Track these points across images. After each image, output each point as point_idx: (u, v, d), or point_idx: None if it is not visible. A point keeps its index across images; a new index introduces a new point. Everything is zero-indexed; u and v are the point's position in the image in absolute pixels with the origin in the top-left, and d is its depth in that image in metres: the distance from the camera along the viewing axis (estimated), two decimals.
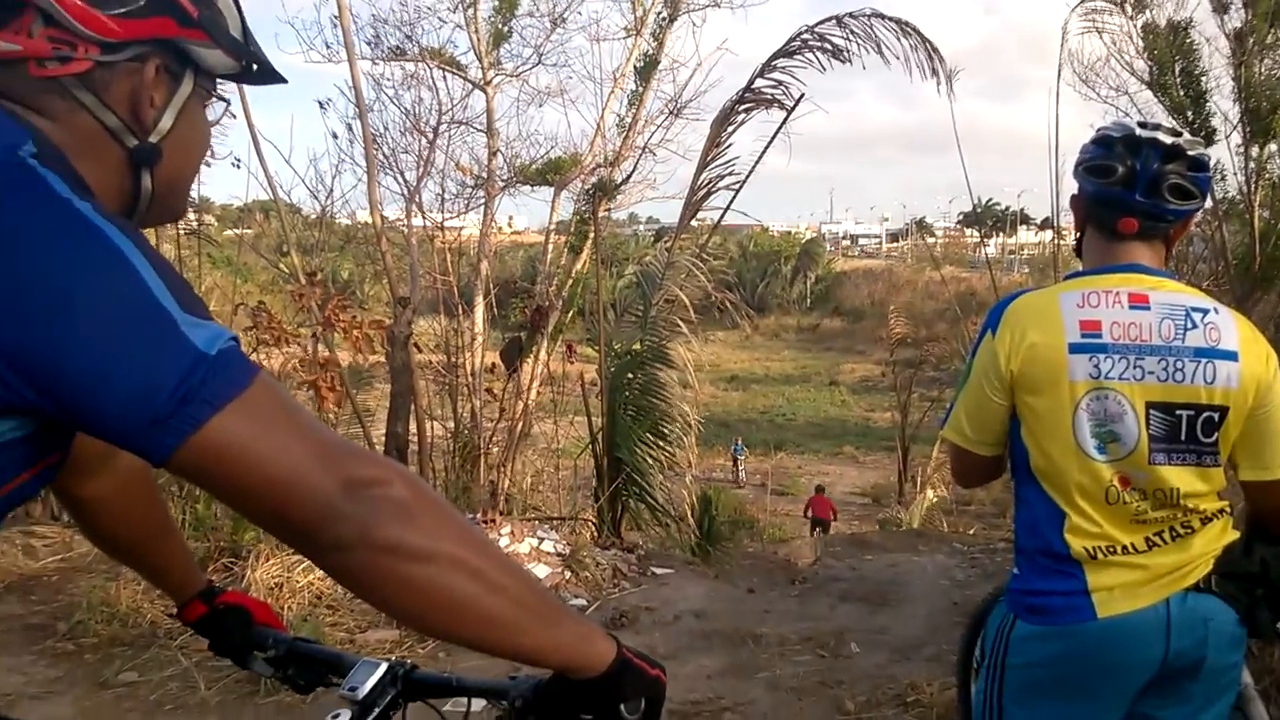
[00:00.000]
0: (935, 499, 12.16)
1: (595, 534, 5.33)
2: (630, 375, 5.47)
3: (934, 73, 4.30)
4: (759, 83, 4.62)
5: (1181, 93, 12.78)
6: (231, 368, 0.84)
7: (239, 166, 7.74)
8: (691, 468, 5.43)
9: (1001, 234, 79.51)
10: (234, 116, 7.02)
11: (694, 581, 4.71)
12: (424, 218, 9.37)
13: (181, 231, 7.11)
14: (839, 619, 4.66)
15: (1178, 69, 12.71)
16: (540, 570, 4.60)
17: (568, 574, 4.64)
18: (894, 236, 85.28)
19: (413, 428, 6.85)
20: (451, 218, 9.65)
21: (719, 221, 5.00)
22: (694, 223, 5.77)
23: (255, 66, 1.08)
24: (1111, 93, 13.25)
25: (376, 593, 0.89)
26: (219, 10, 1.03)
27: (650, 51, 10.05)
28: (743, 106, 4.70)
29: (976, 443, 1.95)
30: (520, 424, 9.68)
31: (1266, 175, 12.69)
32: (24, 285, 0.80)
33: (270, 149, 8.58)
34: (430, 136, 8.81)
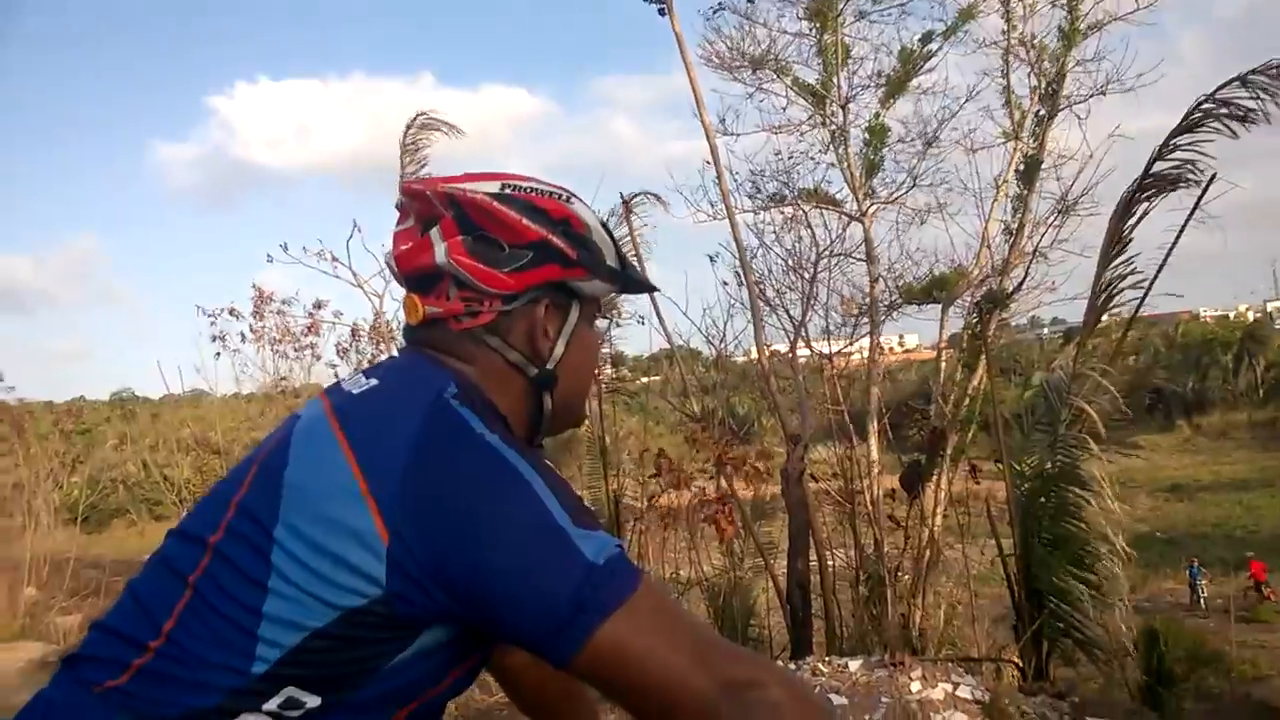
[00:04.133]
0: None
1: (1020, 677, 4.85)
2: (1043, 499, 5.02)
3: None
4: (1158, 165, 4.20)
5: None
6: (618, 575, 0.92)
7: (643, 323, 8.53)
8: (1126, 597, 4.77)
9: None
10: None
11: None
12: (810, 350, 9.56)
13: (603, 387, 7.93)
14: None
15: None
16: (959, 718, 4.25)
17: None
18: None
19: (814, 559, 6.86)
20: (838, 348, 9.77)
21: (1130, 323, 4.52)
22: (1106, 318, 5.30)
23: (627, 285, 1.27)
24: None
25: None
26: (595, 246, 1.18)
27: (1031, 152, 9.64)
28: (1143, 195, 4.29)
29: None
30: (928, 551, 9.27)
31: None
32: (445, 509, 0.92)
33: (669, 304, 9.35)
34: (810, 273, 9.07)
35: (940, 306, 10.18)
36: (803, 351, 9.73)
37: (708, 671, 0.90)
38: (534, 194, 1.13)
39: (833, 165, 10.35)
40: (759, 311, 6.76)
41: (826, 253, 9.88)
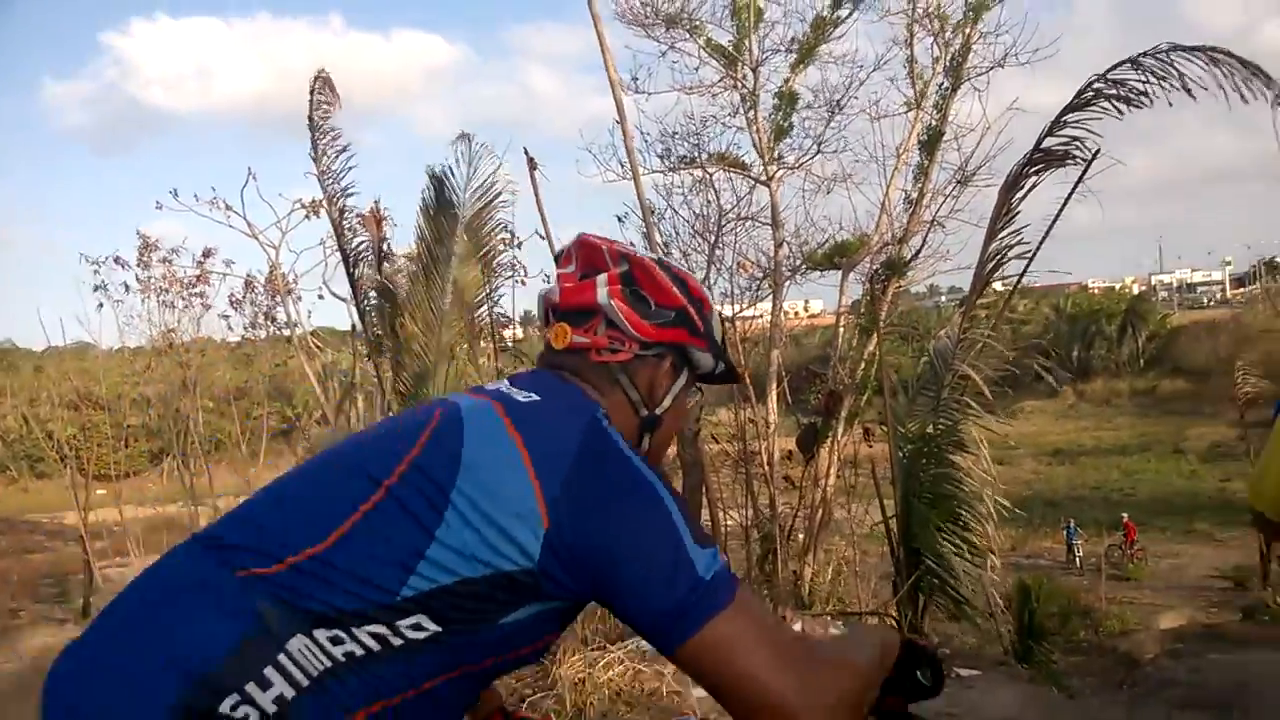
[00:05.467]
0: None
1: (897, 632, 5.04)
2: (924, 461, 5.18)
3: (1258, 95, 3.78)
4: (1048, 141, 4.32)
5: None
6: (721, 588, 1.12)
7: (549, 282, 8.48)
8: (995, 555, 4.98)
9: None
10: (542, 238, 7.68)
11: (1004, 685, 4.23)
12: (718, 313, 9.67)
13: (503, 348, 7.81)
14: None
15: None
16: None
17: None
18: (1239, 281, 75.65)
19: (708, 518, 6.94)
20: (742, 310, 9.85)
21: (1013, 290, 4.67)
22: (999, 286, 5.46)
23: (723, 368, 1.48)
24: None
25: None
26: (713, 327, 1.42)
27: (934, 123, 9.84)
28: (1031, 169, 4.42)
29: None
30: (820, 511, 9.52)
31: None
32: (597, 511, 1.14)
33: None
34: (714, 236, 9.10)
35: (841, 273, 10.39)
36: None
37: (790, 672, 1.09)
38: (682, 272, 1.44)
39: (742, 129, 10.40)
40: None
41: (733, 216, 9.96)
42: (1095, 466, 37.70)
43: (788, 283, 10.18)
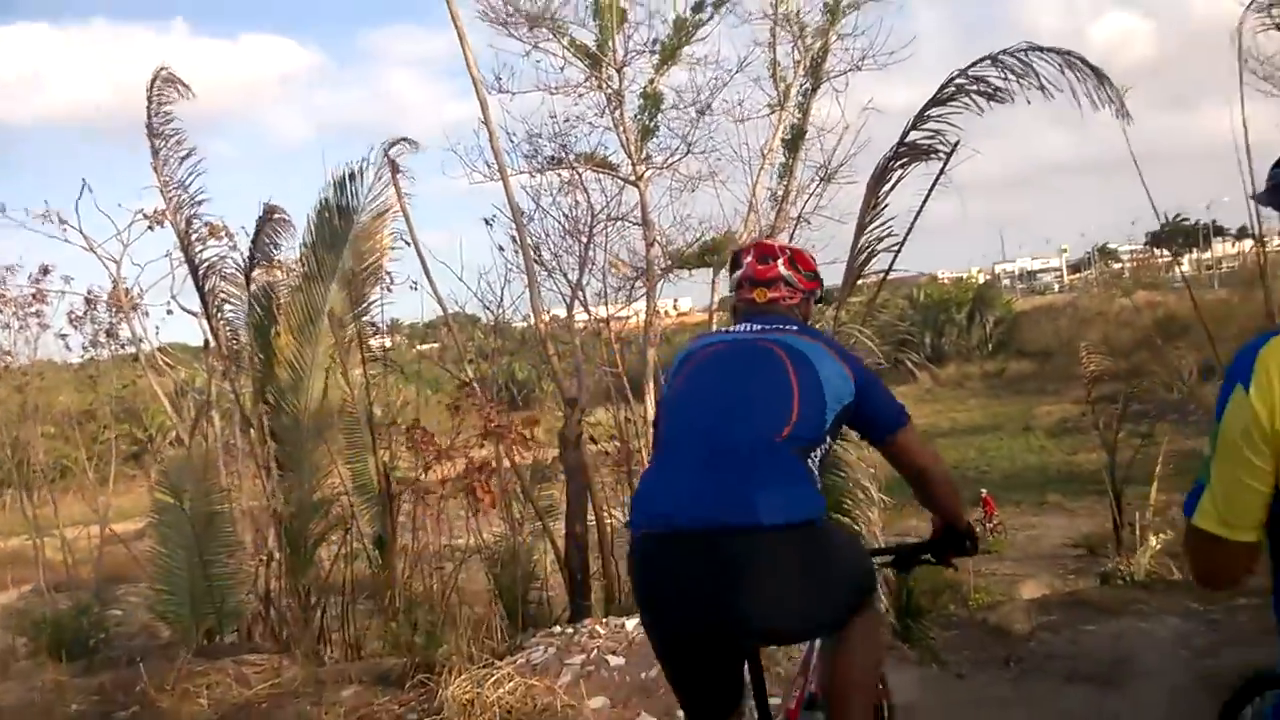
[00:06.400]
0: (1159, 545, 11.08)
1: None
2: None
3: (1107, 100, 4.00)
4: (913, 135, 4.45)
5: None
6: (906, 412, 2.50)
7: (416, 288, 8.18)
8: (878, 538, 5.11)
9: (1195, 250, 74.08)
10: (407, 244, 7.45)
11: (896, 668, 4.29)
12: (589, 314, 9.58)
13: (368, 355, 7.53)
14: (1064, 707, 4.17)
15: None
16: None
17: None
18: (1075, 268, 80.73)
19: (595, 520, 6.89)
20: (616, 311, 9.82)
21: (883, 281, 4.79)
22: (860, 282, 5.59)
23: (821, 295, 2.88)
24: None
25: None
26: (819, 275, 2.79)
27: (796, 123, 10.05)
28: (898, 162, 4.54)
29: (1234, 528, 1.56)
30: None
31: None
32: (863, 374, 2.46)
33: (444, 269, 9.01)
34: (586, 236, 9.04)
35: (712, 271, 10.49)
36: (580, 315, 9.75)
37: (930, 452, 2.66)
38: (807, 252, 2.79)
39: (609, 129, 10.37)
40: (534, 275, 6.64)
41: (603, 217, 9.91)
42: (953, 446, 39.42)
43: (660, 282, 10.22)
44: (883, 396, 2.43)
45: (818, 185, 9.88)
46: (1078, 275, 76.71)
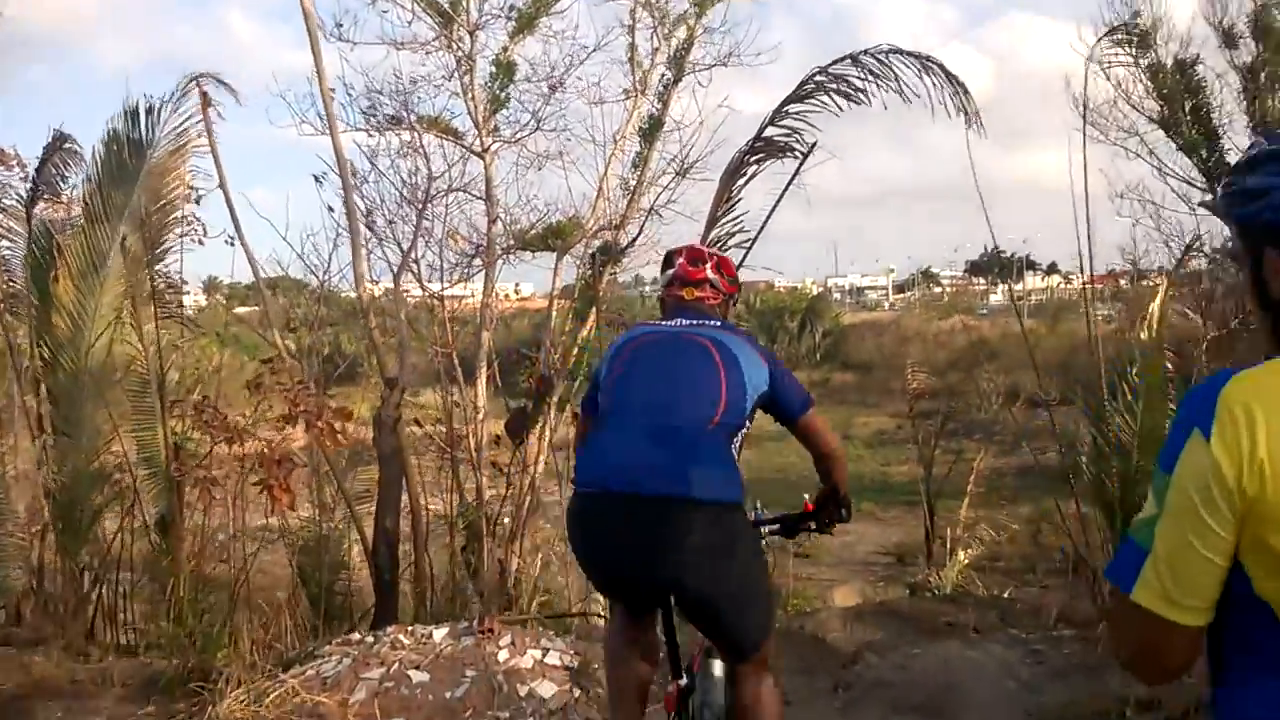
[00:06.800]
0: (967, 559, 11.58)
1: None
2: None
3: (960, 110, 3.96)
4: (770, 131, 4.28)
5: (1193, 130, 12.59)
6: (809, 396, 3.15)
7: (232, 244, 7.44)
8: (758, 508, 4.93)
9: (1008, 281, 79.43)
10: (220, 188, 6.73)
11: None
12: (422, 288, 9.05)
13: (164, 312, 6.75)
14: None
15: (1187, 107, 12.53)
16: (546, 689, 4.05)
17: (576, 691, 4.10)
18: (900, 288, 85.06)
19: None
20: (450, 287, 9.31)
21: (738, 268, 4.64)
22: None
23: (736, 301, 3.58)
24: (1122, 134, 13.11)
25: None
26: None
27: (654, 113, 9.84)
28: (753, 157, 4.36)
29: (1181, 608, 1.28)
30: (528, 497, 9.25)
31: None
32: (775, 364, 3.01)
33: (268, 226, 8.26)
34: (421, 205, 8.51)
35: (556, 255, 10.17)
36: (415, 290, 9.23)
37: (833, 435, 3.32)
38: (729, 259, 3.26)
39: (456, 95, 9.87)
40: (359, 239, 6.11)
41: (441, 184, 9.40)
42: (778, 451, 40.47)
43: (500, 261, 9.80)
44: (792, 385, 3.03)
45: (672, 179, 9.71)
46: (902, 295, 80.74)
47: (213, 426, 4.86)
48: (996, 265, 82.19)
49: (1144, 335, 6.13)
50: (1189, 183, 13.10)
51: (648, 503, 2.50)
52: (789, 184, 4.39)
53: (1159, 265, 13.42)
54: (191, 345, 8.81)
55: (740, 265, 4.69)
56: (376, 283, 9.10)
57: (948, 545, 13.59)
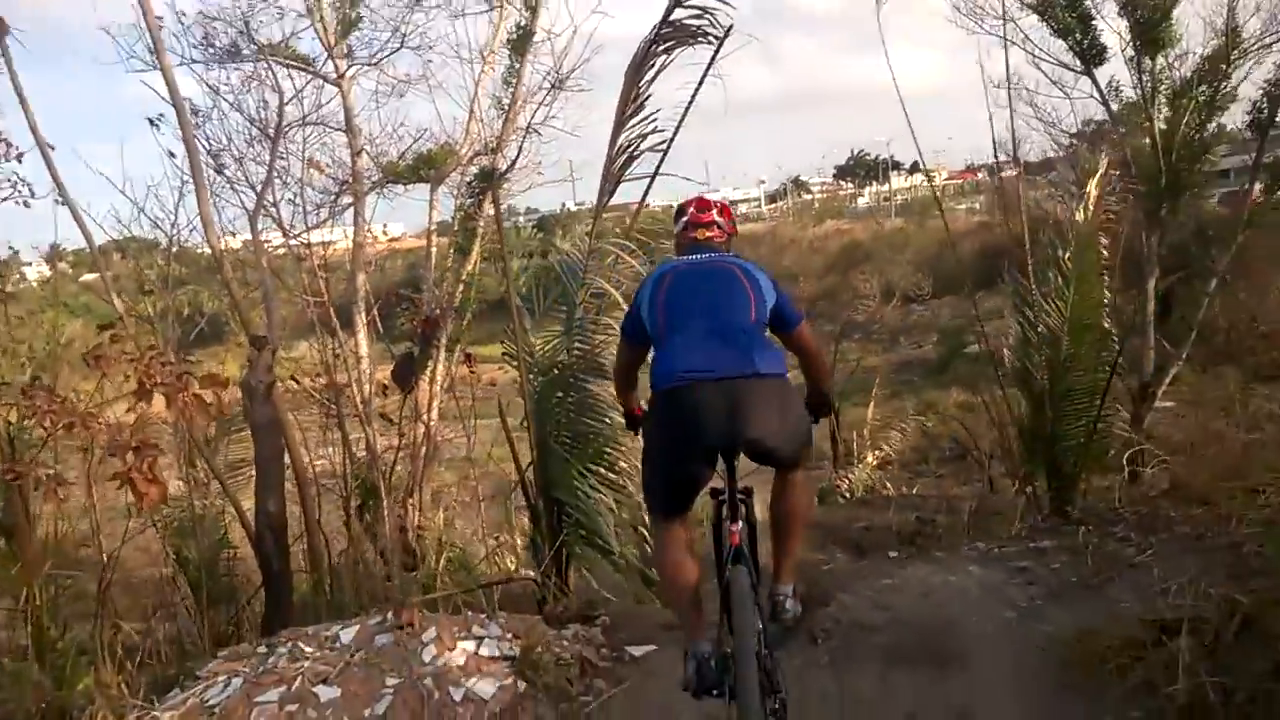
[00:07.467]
0: (875, 461, 11.57)
1: (542, 601, 4.28)
2: (560, 394, 4.50)
3: None
4: (678, 13, 3.75)
5: (1066, 14, 12.52)
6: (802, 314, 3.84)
7: (62, 203, 6.39)
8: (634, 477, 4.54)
9: (875, 183, 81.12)
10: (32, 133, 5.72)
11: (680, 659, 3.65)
12: (284, 233, 8.19)
13: None
14: (899, 701, 3.55)
15: None
16: (486, 687, 3.42)
17: (522, 685, 3.51)
18: (772, 198, 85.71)
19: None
20: (316, 227, 8.47)
21: (649, 188, 4.13)
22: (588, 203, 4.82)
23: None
24: (997, 22, 12.94)
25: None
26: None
27: (523, 22, 9.07)
28: (661, 46, 3.83)
29: None
30: (425, 446, 8.66)
31: (1163, 86, 12.55)
32: (779, 290, 3.57)
33: (106, 181, 7.22)
34: (272, 139, 7.63)
35: (430, 186, 9.40)
36: (278, 238, 8.36)
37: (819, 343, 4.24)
38: (731, 208, 3.98)
39: (302, 16, 8.89)
40: (204, 183, 5.29)
41: (296, 121, 8.47)
42: None
43: (371, 196, 8.99)
44: (791, 303, 3.60)
45: (548, 93, 9.00)
46: (775, 205, 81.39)
47: (47, 412, 4.04)
48: (863, 169, 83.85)
49: (1079, 217, 5.87)
50: (1066, 67, 13.07)
51: (727, 383, 3.14)
52: (705, 73, 3.88)
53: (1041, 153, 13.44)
54: (32, 320, 7.82)
55: (657, 171, 4.20)
56: (233, 233, 8.21)
57: (854, 448, 13.61)
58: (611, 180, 4.13)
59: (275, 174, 7.27)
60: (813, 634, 3.87)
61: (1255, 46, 11.72)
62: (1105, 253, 5.90)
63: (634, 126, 4.00)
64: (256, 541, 4.57)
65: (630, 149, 4.02)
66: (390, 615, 3.60)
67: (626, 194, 5.10)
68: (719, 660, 3.14)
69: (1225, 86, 11.78)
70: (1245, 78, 12.02)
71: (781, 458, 3.30)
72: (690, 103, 3.94)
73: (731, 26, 3.69)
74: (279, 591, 4.53)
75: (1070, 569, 4.38)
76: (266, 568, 4.51)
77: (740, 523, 3.25)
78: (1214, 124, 12.41)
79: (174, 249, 7.78)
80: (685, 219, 3.68)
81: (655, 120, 3.92)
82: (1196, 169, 12.28)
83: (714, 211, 3.69)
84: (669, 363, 3.31)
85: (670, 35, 3.82)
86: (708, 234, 3.64)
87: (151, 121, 7.47)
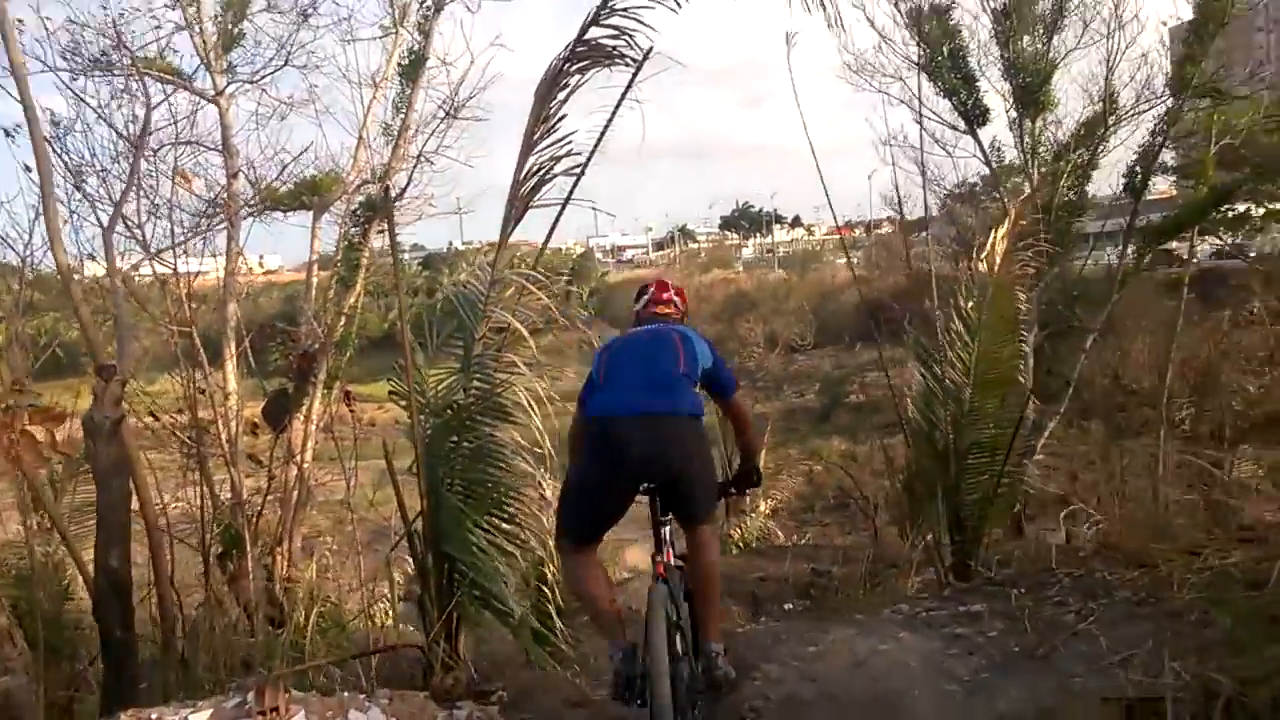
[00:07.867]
0: (768, 510, 11.44)
1: (428, 671, 3.85)
2: (455, 438, 4.11)
3: None
4: (594, 32, 3.50)
5: (952, 75, 12.94)
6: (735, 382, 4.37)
7: None
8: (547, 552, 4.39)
9: (759, 235, 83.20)
10: None
11: None
12: (147, 253, 7.54)
13: None
14: None
15: (946, 51, 12.85)
16: None
17: None
18: (659, 245, 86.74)
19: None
20: (182, 246, 7.82)
21: (563, 208, 3.83)
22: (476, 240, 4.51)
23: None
24: (886, 79, 13.30)
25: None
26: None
27: (417, 47, 8.75)
28: (574, 65, 3.58)
29: None
30: (297, 490, 8.06)
31: (1042, 148, 13.08)
32: (716, 359, 4.01)
33: None
34: (134, 150, 7.03)
35: (312, 214, 8.91)
36: (145, 267, 7.71)
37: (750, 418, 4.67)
38: (683, 289, 4.56)
39: (181, 28, 8.36)
40: (51, 194, 4.74)
41: (168, 140, 7.88)
42: (555, 415, 40.11)
43: (246, 222, 8.43)
44: (726, 370, 4.05)
45: (441, 121, 8.68)
46: (662, 252, 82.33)
47: None
48: (747, 220, 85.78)
49: (982, 268, 5.85)
50: (951, 127, 13.49)
51: (648, 418, 3.52)
52: (623, 96, 3.64)
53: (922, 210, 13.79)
54: None
55: (570, 195, 3.94)
56: (92, 256, 7.53)
57: (748, 498, 13.46)
58: (520, 205, 3.83)
59: (137, 185, 6.66)
60: (740, 713, 3.54)
61: (1129, 114, 12.33)
62: (1021, 306, 5.90)
63: (546, 149, 3.72)
64: (96, 603, 3.97)
65: (541, 172, 3.73)
66: (252, 695, 3.09)
67: (525, 230, 4.82)
68: (633, 656, 3.33)
69: (1102, 150, 12.34)
70: (1121, 143, 12.65)
71: (694, 496, 3.56)
72: (608, 124, 3.69)
73: (651, 48, 3.48)
74: (121, 659, 3.93)
75: (1009, 636, 4.14)
76: (108, 634, 3.90)
77: (668, 553, 3.57)
78: (1089, 187, 12.98)
79: (27, 271, 7.07)
80: (646, 297, 4.29)
81: (570, 143, 3.66)
82: (1071, 229, 12.79)
83: (671, 292, 4.32)
84: (597, 403, 3.73)
85: (585, 54, 3.57)
86: (665, 310, 4.22)
87: (7, 132, 6.85)
